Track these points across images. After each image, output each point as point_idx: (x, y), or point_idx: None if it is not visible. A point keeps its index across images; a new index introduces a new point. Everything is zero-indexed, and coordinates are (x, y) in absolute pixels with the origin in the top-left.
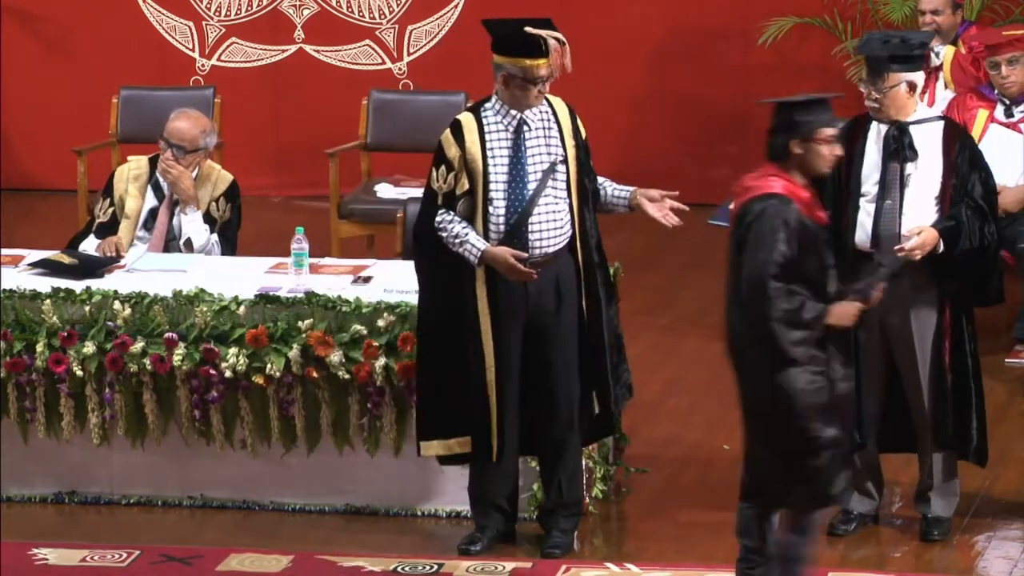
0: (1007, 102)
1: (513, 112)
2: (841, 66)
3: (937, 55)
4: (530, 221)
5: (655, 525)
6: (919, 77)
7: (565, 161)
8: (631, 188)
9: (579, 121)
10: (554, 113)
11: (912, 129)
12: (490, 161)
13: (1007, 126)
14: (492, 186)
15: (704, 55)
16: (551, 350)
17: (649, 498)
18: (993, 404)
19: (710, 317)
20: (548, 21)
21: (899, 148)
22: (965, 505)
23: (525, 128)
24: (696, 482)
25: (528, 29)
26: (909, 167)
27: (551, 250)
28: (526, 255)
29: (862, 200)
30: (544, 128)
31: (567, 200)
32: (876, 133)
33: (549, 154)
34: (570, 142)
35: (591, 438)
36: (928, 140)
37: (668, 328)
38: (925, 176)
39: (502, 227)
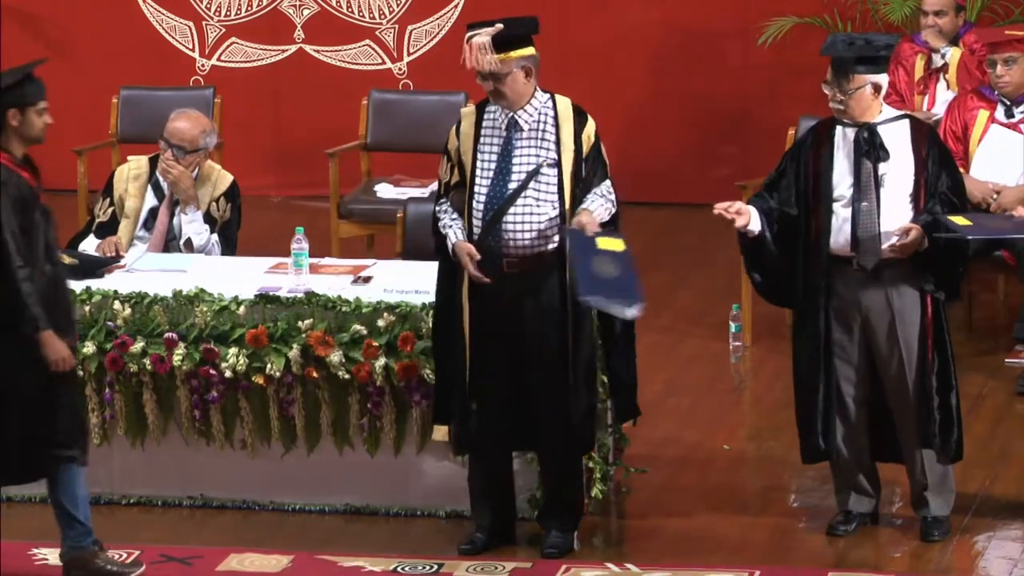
0: (1007, 103)
1: (507, 110)
2: None
3: (943, 56)
4: (505, 220)
5: (655, 525)
6: (884, 79)
7: (557, 165)
8: (581, 208)
9: (589, 127)
10: (556, 116)
11: (880, 129)
12: (479, 156)
13: (1007, 126)
14: (477, 180)
15: (704, 55)
16: (531, 355)
17: (649, 498)
18: (993, 404)
19: (710, 317)
20: (516, 20)
21: (871, 149)
22: (965, 505)
23: (515, 127)
24: (696, 482)
25: (498, 25)
26: (882, 167)
27: (529, 252)
28: (479, 256)
29: (836, 204)
30: (539, 129)
31: (555, 204)
32: (843, 136)
33: (539, 156)
34: (568, 146)
35: (569, 452)
36: (897, 139)
37: (668, 328)
38: (898, 175)
39: (481, 222)
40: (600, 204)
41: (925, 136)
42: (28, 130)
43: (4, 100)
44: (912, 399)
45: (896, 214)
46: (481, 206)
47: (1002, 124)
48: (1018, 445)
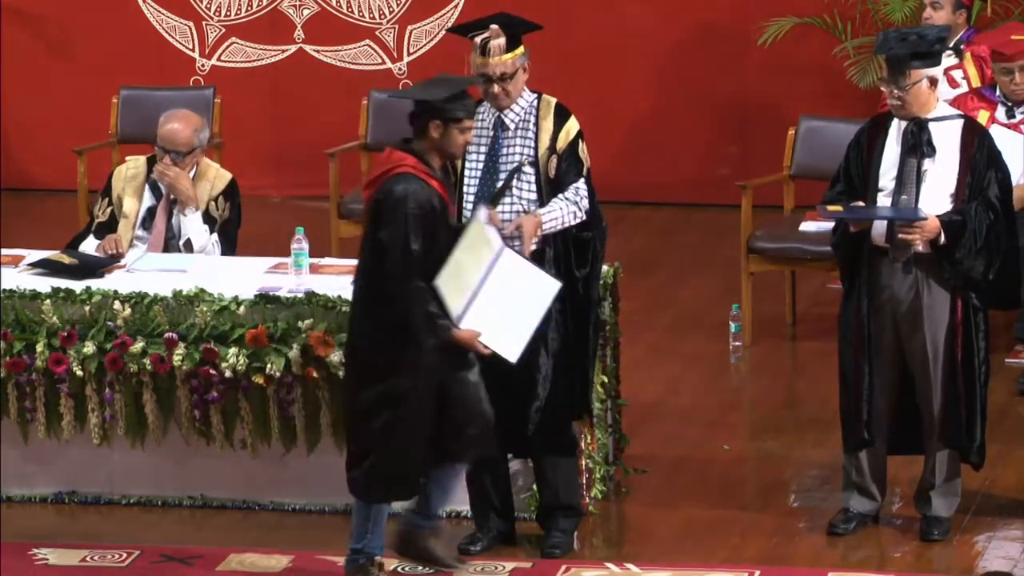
0: (1008, 103)
1: (494, 110)
2: (841, 66)
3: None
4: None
5: (655, 525)
6: (939, 72)
7: (535, 163)
8: (536, 212)
9: (569, 124)
10: (538, 114)
11: (931, 126)
12: (467, 158)
13: (1008, 127)
14: (466, 181)
15: (704, 55)
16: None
17: (649, 498)
18: (993, 404)
19: (710, 317)
20: (516, 21)
21: (917, 144)
22: (965, 505)
23: (501, 127)
24: (696, 482)
25: (493, 26)
26: (926, 163)
27: (515, 249)
28: None
29: (880, 195)
30: (522, 128)
31: (535, 202)
32: (897, 129)
33: (522, 155)
34: (544, 143)
35: (556, 448)
36: (947, 137)
37: (668, 328)
38: (941, 172)
39: None
40: (561, 207)
41: (976, 137)
42: (447, 145)
43: (430, 110)
44: (935, 397)
45: (933, 210)
46: (469, 206)
47: (1003, 125)
48: (1018, 445)
